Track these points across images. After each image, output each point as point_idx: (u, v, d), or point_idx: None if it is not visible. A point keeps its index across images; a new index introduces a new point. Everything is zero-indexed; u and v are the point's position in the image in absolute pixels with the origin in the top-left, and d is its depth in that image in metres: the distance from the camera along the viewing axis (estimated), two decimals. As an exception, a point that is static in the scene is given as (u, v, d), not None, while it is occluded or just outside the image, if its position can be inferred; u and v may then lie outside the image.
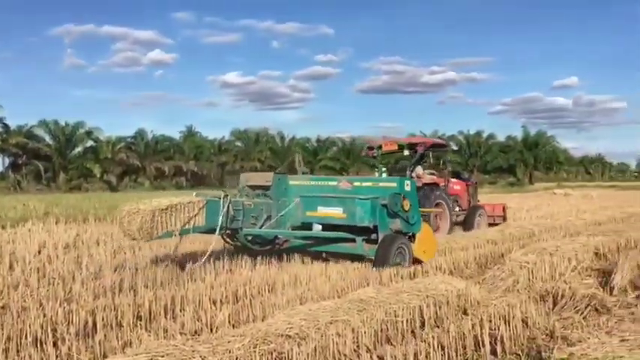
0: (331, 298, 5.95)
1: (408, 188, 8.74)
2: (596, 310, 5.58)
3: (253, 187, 9.00)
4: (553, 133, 78.56)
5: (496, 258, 8.82)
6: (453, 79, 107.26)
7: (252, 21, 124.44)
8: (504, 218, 14.53)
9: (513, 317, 5.02)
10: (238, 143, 59.96)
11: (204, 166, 54.56)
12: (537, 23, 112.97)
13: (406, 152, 12.86)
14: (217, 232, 7.90)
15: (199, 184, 52.44)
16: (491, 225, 13.60)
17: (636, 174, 76.49)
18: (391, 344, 4.64)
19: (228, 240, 8.70)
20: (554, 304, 5.81)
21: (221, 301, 6.03)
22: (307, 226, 8.87)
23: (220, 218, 7.84)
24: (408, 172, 12.50)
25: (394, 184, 8.70)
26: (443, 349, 4.44)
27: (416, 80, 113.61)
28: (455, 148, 61.42)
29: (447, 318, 5.25)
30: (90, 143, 48.23)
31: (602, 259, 8.52)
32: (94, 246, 10.12)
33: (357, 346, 4.48)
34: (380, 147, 13.00)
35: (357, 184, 9.01)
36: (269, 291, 6.50)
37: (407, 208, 8.42)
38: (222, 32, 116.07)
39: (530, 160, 60.82)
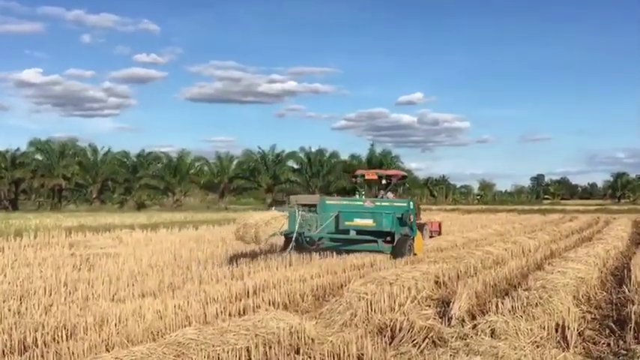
0: (145, 342, 5.75)
1: (412, 207, 14.80)
2: (434, 342, 5.98)
3: (302, 205, 14.03)
4: (398, 152, 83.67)
5: (335, 289, 9.13)
6: (293, 90, 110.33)
7: (57, 9, 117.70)
8: (439, 232, 20.47)
9: (348, 355, 5.21)
10: (38, 156, 56.15)
11: (-7, 183, 50.23)
12: (382, 34, 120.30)
13: (384, 181, 17.04)
14: (295, 233, 13.32)
15: (-15, 206, 48.13)
16: (430, 237, 18.66)
17: (479, 197, 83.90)
18: (213, 393, 4.58)
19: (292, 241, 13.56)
20: (392, 337, 6.13)
21: (4, 351, 5.56)
22: (343, 231, 14.32)
23: (297, 225, 13.26)
24: (381, 195, 16.91)
25: (405, 204, 14.77)
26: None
27: (253, 89, 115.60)
28: (296, 166, 62.86)
29: (278, 359, 5.30)
30: None
31: (442, 287, 9.22)
32: None
33: (172, 399, 4.35)
34: (363, 176, 17.75)
35: (377, 203, 14.77)
36: (67, 337, 6.10)
37: (412, 219, 14.34)
38: (18, 20, 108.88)
39: (376, 181, 63.97)
